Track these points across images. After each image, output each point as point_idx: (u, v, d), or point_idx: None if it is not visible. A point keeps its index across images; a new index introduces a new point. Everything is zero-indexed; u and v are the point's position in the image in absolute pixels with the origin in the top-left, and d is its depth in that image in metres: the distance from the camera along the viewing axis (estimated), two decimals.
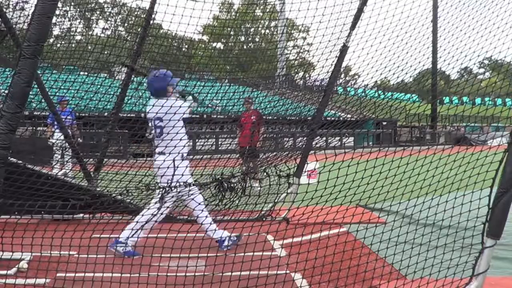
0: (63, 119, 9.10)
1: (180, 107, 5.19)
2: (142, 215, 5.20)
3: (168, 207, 5.22)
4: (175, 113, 5.07)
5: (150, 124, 5.56)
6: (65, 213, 4.37)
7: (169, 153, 5.19)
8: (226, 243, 5.43)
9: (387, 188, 3.92)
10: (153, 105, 5.33)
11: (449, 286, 3.56)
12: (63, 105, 10.35)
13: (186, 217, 6.07)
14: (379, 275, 4.13)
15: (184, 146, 5.32)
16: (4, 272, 4.31)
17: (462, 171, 3.84)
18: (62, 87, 6.45)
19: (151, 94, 5.60)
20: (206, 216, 5.44)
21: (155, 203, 5.23)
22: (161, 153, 5.32)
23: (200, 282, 3.68)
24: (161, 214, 5.01)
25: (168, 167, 5.09)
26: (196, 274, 3.74)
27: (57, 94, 7.06)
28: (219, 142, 17.14)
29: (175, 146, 5.09)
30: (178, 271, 3.82)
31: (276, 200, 6.62)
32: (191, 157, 5.83)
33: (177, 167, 5.15)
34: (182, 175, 5.16)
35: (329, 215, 3.98)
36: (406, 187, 3.91)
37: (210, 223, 5.46)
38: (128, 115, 9.18)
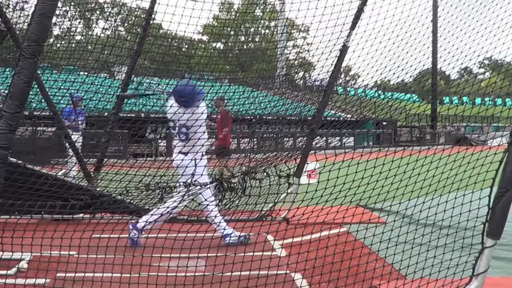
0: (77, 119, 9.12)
1: (202, 113, 5.39)
2: (159, 208, 5.44)
3: (178, 203, 5.31)
4: (197, 120, 5.27)
5: (171, 124, 5.68)
6: (65, 213, 4.38)
7: (190, 152, 5.43)
8: (230, 239, 5.51)
9: (387, 188, 3.92)
10: (174, 111, 5.46)
11: (449, 286, 3.56)
12: (77, 104, 10.31)
13: (186, 217, 6.07)
14: (379, 275, 4.12)
15: (203, 146, 5.51)
16: (4, 272, 4.31)
17: (462, 171, 3.84)
18: (62, 87, 6.44)
19: (176, 101, 5.66)
20: (216, 214, 5.53)
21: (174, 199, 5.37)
22: (183, 152, 5.53)
23: (200, 282, 3.68)
24: (172, 210, 5.21)
25: (190, 164, 5.29)
26: (196, 274, 3.74)
27: (57, 94, 7.05)
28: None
29: (194, 147, 5.30)
30: (178, 271, 3.81)
31: (276, 200, 6.62)
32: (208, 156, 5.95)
33: (197, 165, 5.32)
34: (201, 174, 5.36)
35: (329, 215, 3.98)
36: (406, 187, 3.91)
37: (220, 222, 5.54)
38: (128, 115, 9.19)
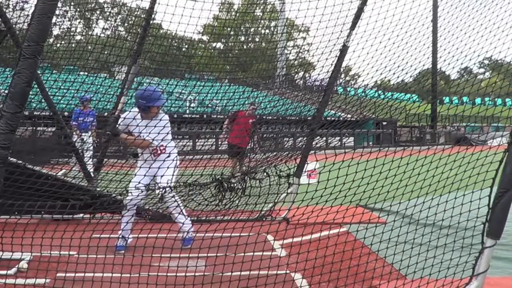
0: (85, 120, 9.10)
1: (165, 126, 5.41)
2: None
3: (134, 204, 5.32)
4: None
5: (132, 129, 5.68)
6: (65, 213, 4.38)
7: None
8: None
9: (387, 188, 3.92)
10: (132, 119, 5.49)
11: (449, 286, 3.56)
12: (86, 105, 10.30)
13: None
14: (379, 275, 4.13)
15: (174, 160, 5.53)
16: (4, 272, 4.31)
17: (462, 171, 3.84)
18: (62, 87, 6.43)
19: (137, 106, 5.65)
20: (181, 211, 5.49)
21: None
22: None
23: (200, 282, 3.68)
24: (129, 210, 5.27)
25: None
26: (196, 274, 3.74)
27: (57, 94, 7.04)
28: (219, 142, 17.13)
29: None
30: (178, 271, 3.82)
31: (276, 200, 6.62)
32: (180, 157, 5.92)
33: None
34: (172, 175, 5.40)
35: (329, 215, 3.98)
36: (406, 187, 3.91)
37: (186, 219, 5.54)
38: None
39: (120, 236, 5.41)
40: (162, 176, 5.40)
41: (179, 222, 5.49)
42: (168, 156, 5.48)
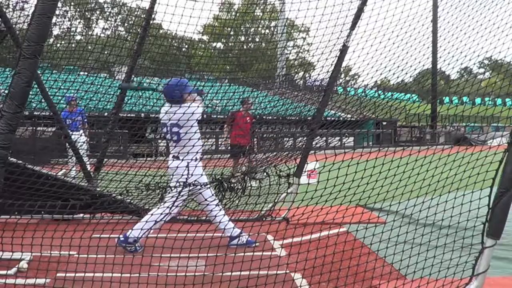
0: (73, 120, 9.08)
1: (193, 113, 5.23)
2: (152, 214, 5.24)
3: (178, 205, 5.23)
4: (188, 120, 5.18)
5: (165, 130, 5.55)
6: (65, 213, 4.38)
7: (185, 158, 5.29)
8: (235, 241, 5.44)
9: (387, 188, 3.92)
10: (166, 112, 5.38)
11: (449, 286, 3.56)
12: (72, 105, 10.29)
13: (186, 217, 6.07)
14: (379, 275, 4.13)
15: (198, 152, 5.40)
16: (4, 272, 4.30)
17: (462, 171, 3.84)
18: (62, 87, 6.44)
19: (167, 100, 5.56)
20: (220, 210, 5.45)
21: (165, 202, 5.26)
22: (177, 157, 5.39)
23: (200, 282, 3.68)
24: (170, 214, 5.07)
25: (184, 169, 5.22)
26: (196, 274, 3.74)
27: (57, 94, 7.04)
28: (219, 142, 17.12)
29: (189, 152, 5.20)
30: (178, 271, 3.82)
31: (276, 200, 6.63)
32: (203, 156, 5.84)
33: (194, 167, 5.25)
34: (201, 174, 5.33)
35: (329, 215, 3.98)
36: (406, 187, 3.91)
37: (222, 219, 5.46)
38: (128, 115, 9.19)
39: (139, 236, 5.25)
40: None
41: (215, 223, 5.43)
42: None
